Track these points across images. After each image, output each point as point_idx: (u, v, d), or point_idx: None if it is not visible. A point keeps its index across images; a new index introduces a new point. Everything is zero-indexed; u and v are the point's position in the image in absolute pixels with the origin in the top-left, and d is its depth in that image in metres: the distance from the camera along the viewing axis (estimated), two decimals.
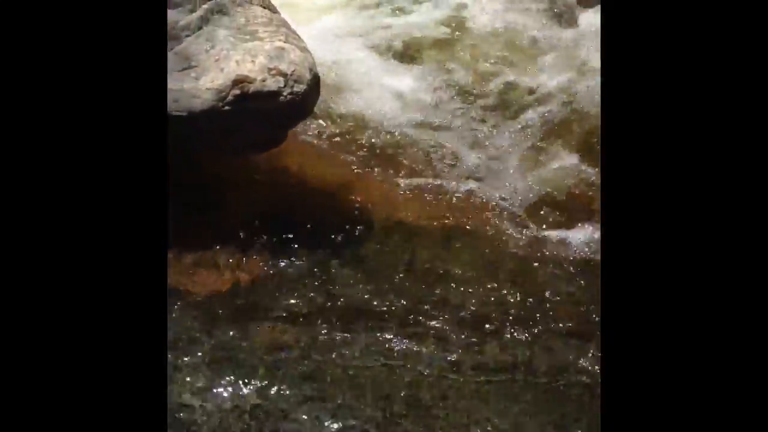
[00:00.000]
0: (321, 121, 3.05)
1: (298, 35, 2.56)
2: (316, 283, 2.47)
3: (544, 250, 2.67)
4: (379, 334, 2.34)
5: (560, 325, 2.42)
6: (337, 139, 3.01)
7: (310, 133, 2.99)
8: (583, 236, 2.70)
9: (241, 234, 2.57)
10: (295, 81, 2.42)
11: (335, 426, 2.11)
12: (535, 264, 2.62)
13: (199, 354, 2.24)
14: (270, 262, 2.51)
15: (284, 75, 2.40)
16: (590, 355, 2.31)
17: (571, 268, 2.60)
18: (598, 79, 3.16)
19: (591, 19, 3.74)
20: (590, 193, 2.88)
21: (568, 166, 3.01)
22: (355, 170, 2.90)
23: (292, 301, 2.41)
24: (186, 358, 2.22)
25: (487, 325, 2.40)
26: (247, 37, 2.47)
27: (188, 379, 2.18)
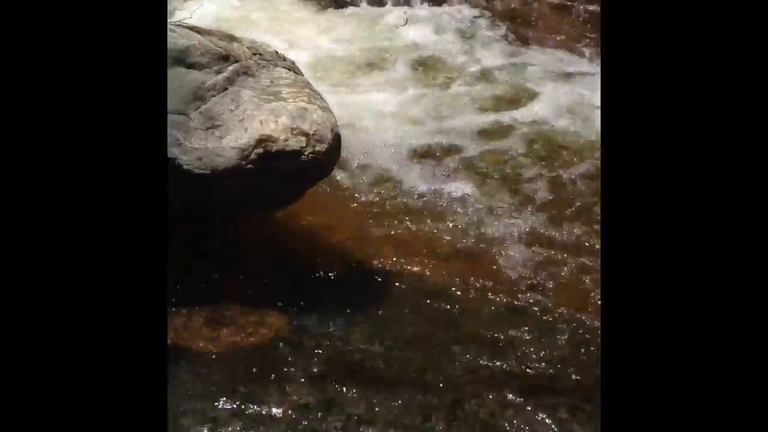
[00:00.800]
0: None
1: (320, 96, 2.61)
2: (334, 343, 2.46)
3: None
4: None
5: None
6: None
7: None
8: None
9: (257, 291, 2.58)
10: (317, 141, 2.45)
11: None
12: None
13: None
14: (287, 321, 2.51)
15: (306, 135, 2.44)
16: None
17: None
18: None
19: None
20: None
21: None
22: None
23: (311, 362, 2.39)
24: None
25: None
26: (271, 97, 2.51)
27: None
